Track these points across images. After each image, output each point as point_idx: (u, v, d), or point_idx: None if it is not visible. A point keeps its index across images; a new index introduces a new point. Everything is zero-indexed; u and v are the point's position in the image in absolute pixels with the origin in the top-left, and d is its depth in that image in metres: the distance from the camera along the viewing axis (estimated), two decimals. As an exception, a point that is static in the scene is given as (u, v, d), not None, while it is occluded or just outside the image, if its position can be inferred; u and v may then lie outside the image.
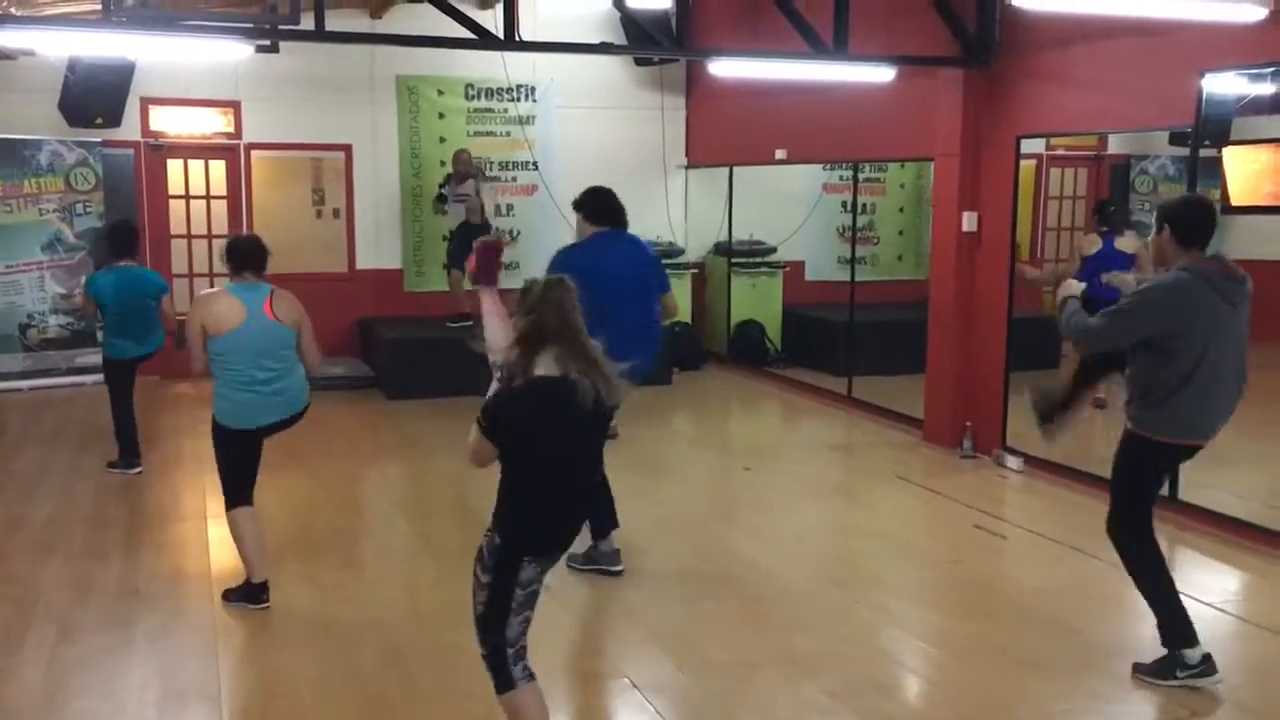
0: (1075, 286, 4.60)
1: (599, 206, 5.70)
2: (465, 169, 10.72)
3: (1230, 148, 6.90)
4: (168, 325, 7.50)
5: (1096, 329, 4.43)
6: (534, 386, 3.31)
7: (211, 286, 11.24)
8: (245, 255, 5.13)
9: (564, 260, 5.40)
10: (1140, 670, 4.54)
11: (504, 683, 3.44)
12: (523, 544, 3.37)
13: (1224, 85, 6.40)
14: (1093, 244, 8.98)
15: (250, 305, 5.02)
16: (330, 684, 4.47)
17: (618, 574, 5.60)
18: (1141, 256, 8.80)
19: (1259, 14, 5.80)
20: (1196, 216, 4.42)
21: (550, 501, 3.40)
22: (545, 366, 3.31)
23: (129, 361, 7.47)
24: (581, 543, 5.56)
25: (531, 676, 3.48)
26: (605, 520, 5.64)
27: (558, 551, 3.54)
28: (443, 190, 10.91)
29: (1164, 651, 4.50)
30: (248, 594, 5.21)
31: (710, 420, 10.21)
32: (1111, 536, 4.64)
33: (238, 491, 5.24)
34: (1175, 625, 4.48)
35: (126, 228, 7.72)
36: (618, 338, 5.24)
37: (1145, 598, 4.57)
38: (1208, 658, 4.42)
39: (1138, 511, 4.58)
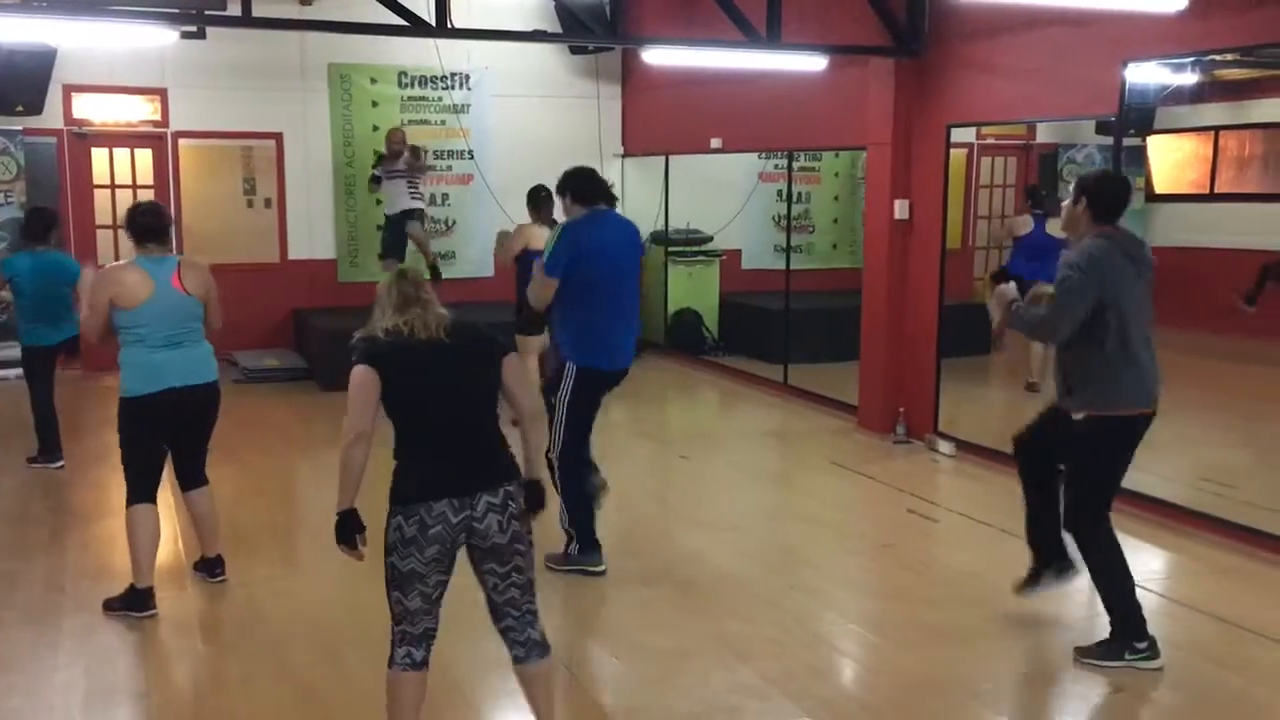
0: (1011, 291, 4.64)
1: (588, 186, 5.43)
2: (398, 147, 10.59)
3: (1154, 137, 7.06)
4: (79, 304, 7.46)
5: (1052, 316, 4.41)
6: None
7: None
8: (144, 229, 4.94)
9: (570, 237, 5.28)
10: (1084, 654, 4.53)
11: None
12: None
13: (1146, 75, 6.52)
14: (1025, 224, 9.14)
15: (157, 279, 4.87)
16: (261, 680, 4.41)
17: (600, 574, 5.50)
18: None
19: (1179, 4, 5.91)
20: (1114, 192, 4.50)
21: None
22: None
23: (45, 349, 7.35)
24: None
25: (414, 666, 3.42)
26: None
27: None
28: (375, 171, 10.77)
29: (1099, 634, 4.54)
30: (132, 600, 4.96)
31: (647, 409, 10.21)
32: (1076, 533, 4.58)
33: (141, 485, 5.00)
34: (1134, 619, 4.49)
35: (44, 213, 7.54)
36: (609, 317, 5.27)
37: (1105, 593, 4.53)
38: (1153, 641, 4.47)
39: (1105, 500, 4.53)
